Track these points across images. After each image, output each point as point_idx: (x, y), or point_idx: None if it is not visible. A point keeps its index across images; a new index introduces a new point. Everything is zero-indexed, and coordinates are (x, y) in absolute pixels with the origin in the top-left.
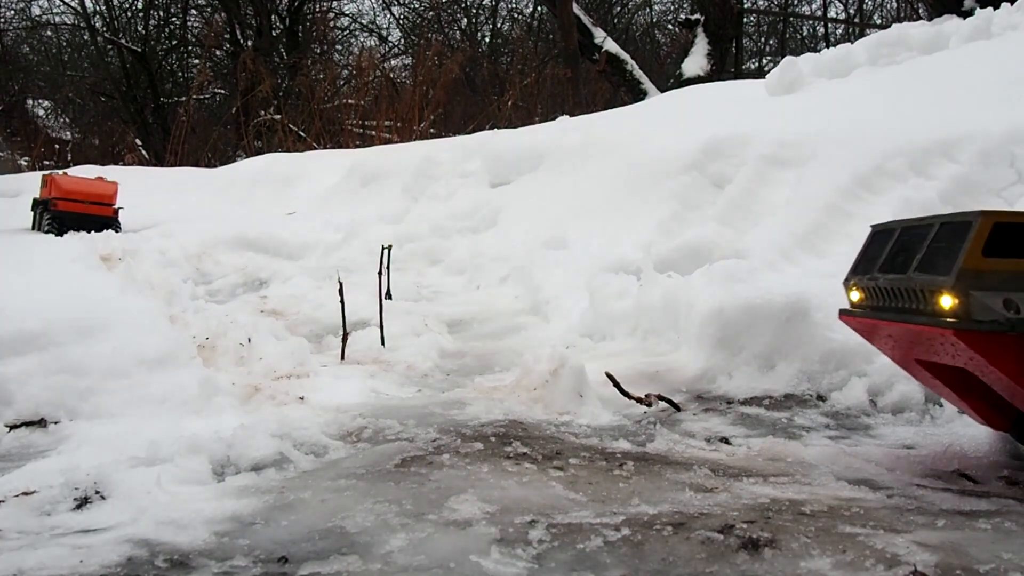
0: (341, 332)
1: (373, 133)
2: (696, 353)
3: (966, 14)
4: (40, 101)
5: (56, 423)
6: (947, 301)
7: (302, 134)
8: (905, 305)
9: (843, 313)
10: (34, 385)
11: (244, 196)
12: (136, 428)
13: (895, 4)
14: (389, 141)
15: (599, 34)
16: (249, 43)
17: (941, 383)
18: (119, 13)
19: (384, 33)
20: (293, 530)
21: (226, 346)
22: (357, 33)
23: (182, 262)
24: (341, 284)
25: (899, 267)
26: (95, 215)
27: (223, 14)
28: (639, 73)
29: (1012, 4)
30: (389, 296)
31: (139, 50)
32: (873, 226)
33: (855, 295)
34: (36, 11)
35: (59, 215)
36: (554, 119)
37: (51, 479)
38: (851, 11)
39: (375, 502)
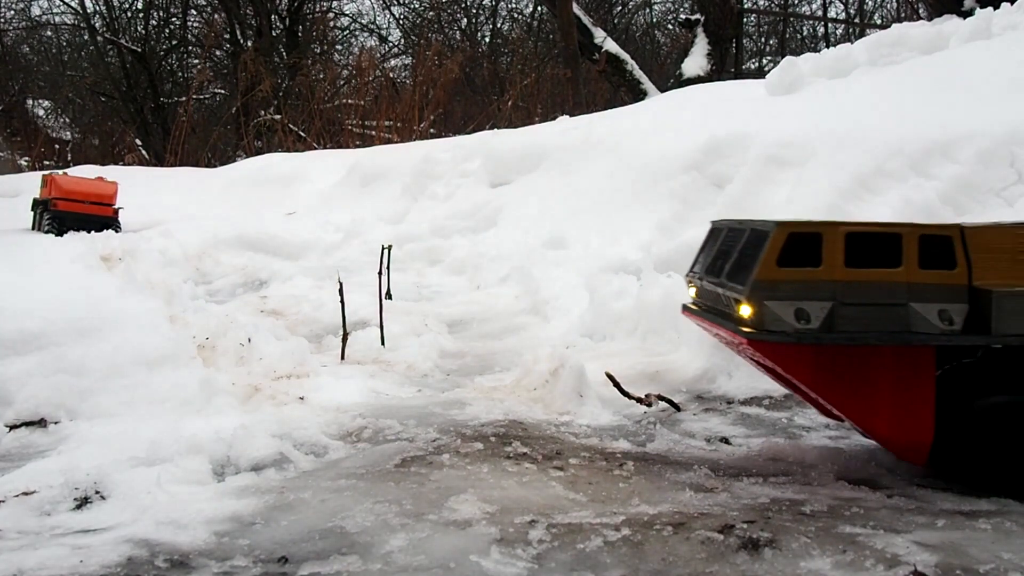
0: (341, 332)
1: (373, 133)
2: (696, 353)
3: (966, 14)
4: (40, 101)
5: (56, 423)
6: (745, 311)
7: (302, 134)
8: (722, 309)
9: (684, 308)
10: (34, 385)
11: (244, 196)
12: (136, 428)
13: (895, 4)
14: (389, 141)
15: (599, 34)
16: (249, 43)
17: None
18: (119, 13)
19: (384, 33)
20: (293, 530)
21: (226, 346)
22: (357, 33)
23: (182, 262)
24: (341, 284)
25: (717, 271)
26: (95, 215)
27: (223, 14)
28: (639, 73)
29: (1012, 4)
30: (389, 296)
31: (139, 50)
32: (712, 222)
33: (692, 291)
34: (36, 11)
35: (59, 215)
36: (554, 119)
37: (51, 479)
38: (851, 11)
39: (375, 502)
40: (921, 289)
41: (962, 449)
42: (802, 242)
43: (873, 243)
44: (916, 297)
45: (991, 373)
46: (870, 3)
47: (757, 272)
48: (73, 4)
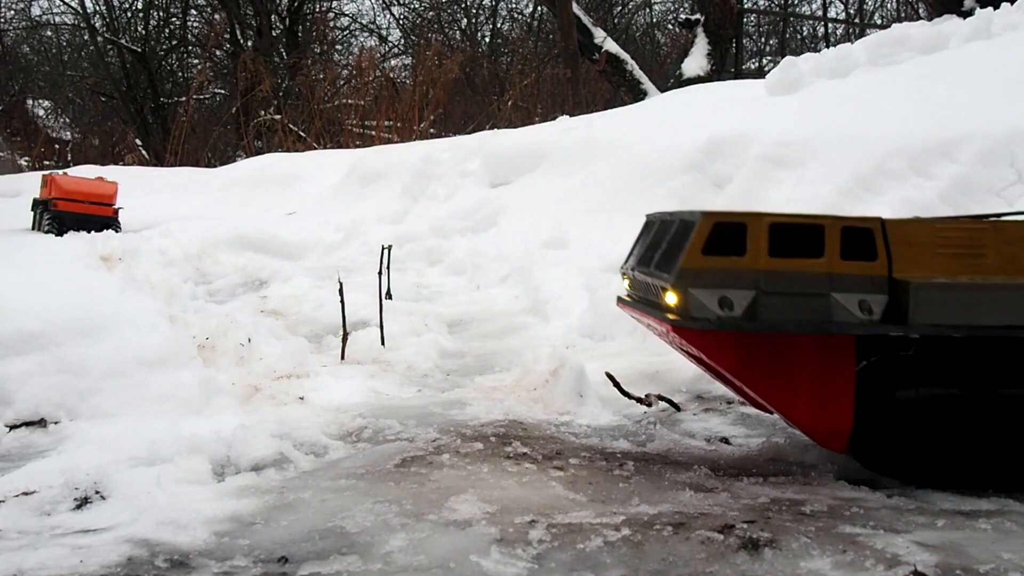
0: (341, 332)
1: (373, 133)
2: None
3: (966, 14)
4: (40, 101)
5: (56, 423)
6: (671, 299)
7: (302, 134)
8: (652, 299)
9: (618, 300)
10: (34, 385)
11: (244, 196)
12: (136, 428)
13: (895, 4)
14: (389, 141)
15: (599, 34)
16: (249, 43)
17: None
18: (119, 13)
19: (384, 33)
20: (293, 530)
21: (226, 346)
22: (357, 33)
23: (182, 262)
24: (341, 284)
25: (647, 262)
26: (95, 215)
27: (223, 14)
28: (639, 73)
29: (1012, 4)
30: (389, 296)
31: (139, 50)
32: (647, 215)
33: (625, 283)
34: (36, 11)
35: (59, 215)
36: (554, 119)
37: (51, 479)
38: (851, 11)
39: (375, 502)
40: (842, 280)
41: (882, 439)
42: (728, 232)
43: (796, 234)
44: (838, 287)
45: (913, 365)
46: (870, 3)
47: (683, 260)
48: (73, 4)
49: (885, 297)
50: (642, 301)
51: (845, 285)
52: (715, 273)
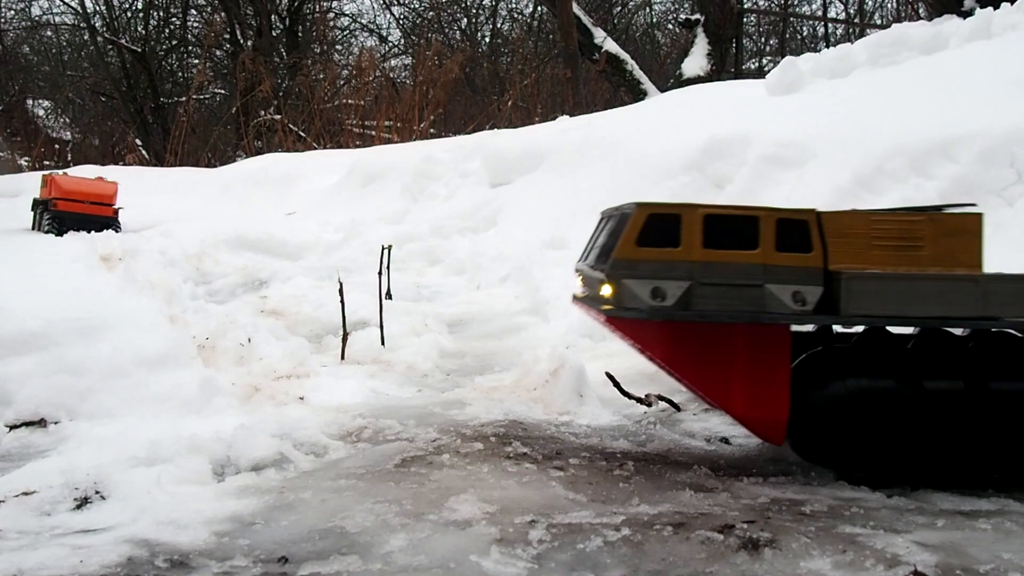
0: (341, 332)
1: (373, 133)
2: None
3: (966, 14)
4: (40, 101)
5: (56, 423)
6: (606, 290)
7: (302, 134)
8: (593, 293)
9: (573, 298)
10: (34, 385)
11: (244, 196)
12: (136, 428)
13: (895, 4)
14: (389, 141)
15: (599, 34)
16: (249, 43)
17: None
18: (119, 13)
19: (384, 33)
20: (293, 530)
21: (226, 346)
22: (357, 33)
23: (182, 262)
24: (341, 284)
25: (589, 256)
26: (95, 215)
27: (223, 14)
28: (639, 73)
29: (1012, 4)
30: (389, 296)
31: (139, 50)
32: (601, 211)
33: (578, 280)
34: (36, 11)
35: (59, 215)
36: (554, 119)
37: (51, 479)
38: (851, 11)
39: (375, 502)
40: (777, 271)
41: (818, 431)
42: (662, 224)
43: (731, 226)
44: (772, 279)
45: (850, 358)
46: (870, 3)
47: (616, 251)
48: (73, 4)
49: (820, 288)
50: (589, 297)
51: (780, 276)
52: (649, 264)
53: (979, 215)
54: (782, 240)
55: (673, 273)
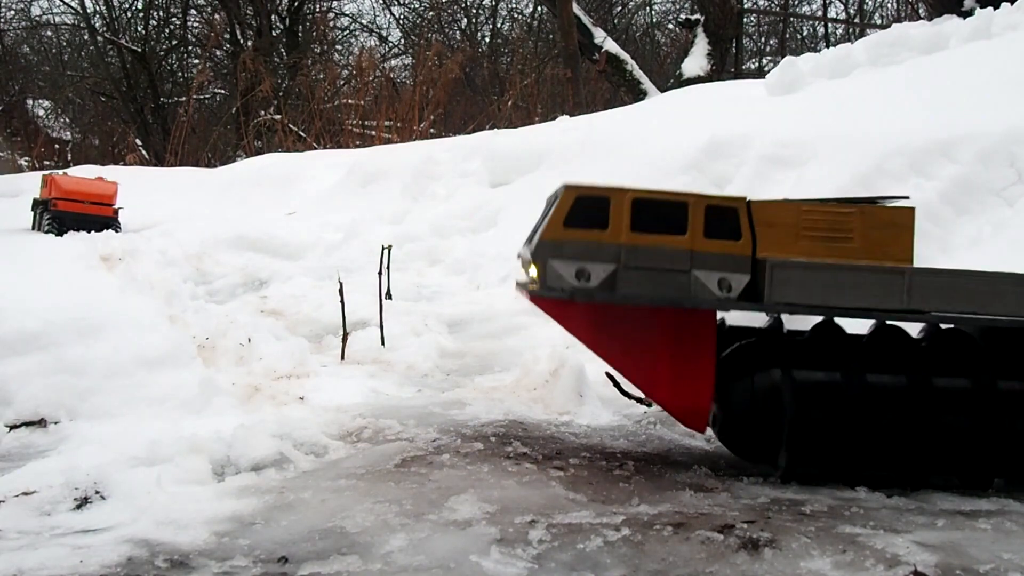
0: (341, 332)
1: (373, 133)
2: None
3: (966, 14)
4: (40, 101)
5: (56, 423)
6: (533, 271)
7: (302, 134)
8: (524, 275)
9: (516, 284)
10: (34, 385)
11: (244, 196)
12: (136, 428)
13: (895, 4)
14: (389, 141)
15: (599, 34)
16: (249, 43)
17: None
18: (119, 13)
19: (384, 33)
20: (293, 530)
21: (226, 346)
22: (357, 33)
23: (182, 262)
24: (341, 284)
25: (527, 240)
26: (95, 215)
27: (223, 14)
28: (639, 73)
29: (1012, 4)
30: (389, 296)
31: (139, 50)
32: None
33: (521, 267)
34: (36, 11)
35: (59, 215)
36: (554, 119)
37: (51, 479)
38: (851, 11)
39: (375, 502)
40: (704, 257)
41: (742, 423)
42: (591, 206)
43: (660, 210)
44: (699, 265)
45: (779, 351)
46: (870, 3)
47: (542, 232)
48: (73, 4)
49: (747, 276)
50: (521, 282)
51: (707, 263)
52: (576, 245)
53: (911, 209)
54: (711, 227)
55: (599, 255)
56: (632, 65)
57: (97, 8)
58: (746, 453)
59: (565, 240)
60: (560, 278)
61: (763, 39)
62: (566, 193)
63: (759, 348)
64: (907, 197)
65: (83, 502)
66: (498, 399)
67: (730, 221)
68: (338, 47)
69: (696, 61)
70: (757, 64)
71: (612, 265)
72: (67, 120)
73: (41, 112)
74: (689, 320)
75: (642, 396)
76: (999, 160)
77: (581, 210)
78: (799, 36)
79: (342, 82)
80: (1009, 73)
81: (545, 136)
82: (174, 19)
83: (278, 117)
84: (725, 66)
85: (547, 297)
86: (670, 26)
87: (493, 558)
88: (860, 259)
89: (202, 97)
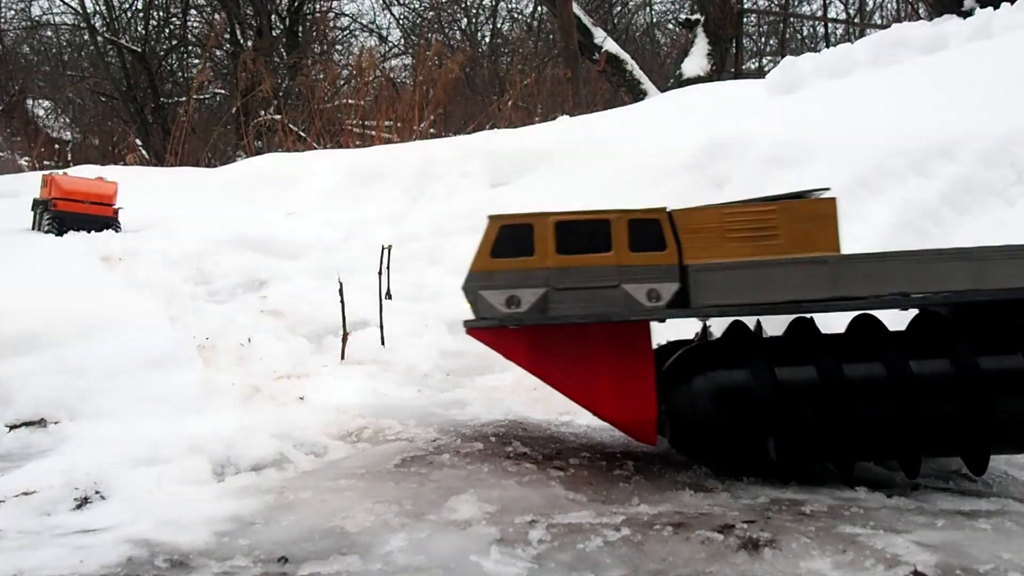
0: (341, 332)
1: (373, 133)
2: None
3: (966, 14)
4: (40, 101)
5: (56, 423)
6: (468, 304)
7: (302, 134)
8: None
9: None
10: (34, 385)
11: (244, 196)
12: (136, 428)
13: (895, 4)
14: (389, 141)
15: (599, 34)
16: (249, 43)
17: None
18: (119, 13)
19: (384, 33)
20: (293, 530)
21: (226, 346)
22: (357, 33)
23: (182, 262)
24: (341, 284)
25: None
26: (95, 215)
27: (223, 14)
28: (639, 73)
29: (1012, 4)
30: (389, 296)
31: (139, 50)
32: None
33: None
34: (36, 11)
35: (59, 215)
36: (554, 119)
37: (51, 479)
38: (851, 11)
39: (375, 502)
40: (632, 271)
41: (687, 426)
42: (515, 234)
43: (584, 230)
44: (628, 278)
45: (716, 353)
46: (870, 3)
47: (471, 265)
48: (73, 4)
49: (676, 284)
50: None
51: (635, 276)
52: (505, 274)
53: (832, 199)
54: (635, 240)
55: (528, 281)
56: (632, 65)
57: (97, 8)
58: (693, 454)
59: (494, 271)
60: (491, 307)
61: (763, 39)
62: (490, 224)
63: (696, 352)
64: (828, 188)
65: (83, 502)
66: (498, 399)
67: (653, 232)
68: (338, 47)
69: (696, 61)
70: (757, 64)
71: (542, 289)
72: (67, 120)
73: (41, 112)
74: (623, 333)
75: None
76: (999, 160)
77: (506, 239)
78: (799, 36)
79: (342, 82)
80: (1009, 73)
81: (545, 136)
82: (174, 19)
83: (278, 117)
84: (725, 66)
85: (480, 328)
86: (670, 26)
87: (493, 558)
88: (788, 254)
89: (202, 97)
